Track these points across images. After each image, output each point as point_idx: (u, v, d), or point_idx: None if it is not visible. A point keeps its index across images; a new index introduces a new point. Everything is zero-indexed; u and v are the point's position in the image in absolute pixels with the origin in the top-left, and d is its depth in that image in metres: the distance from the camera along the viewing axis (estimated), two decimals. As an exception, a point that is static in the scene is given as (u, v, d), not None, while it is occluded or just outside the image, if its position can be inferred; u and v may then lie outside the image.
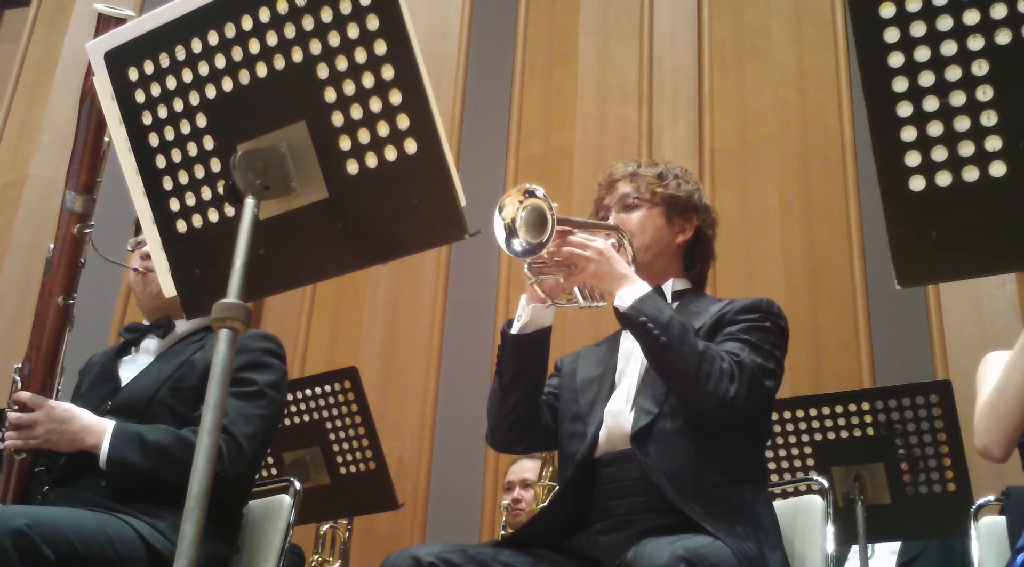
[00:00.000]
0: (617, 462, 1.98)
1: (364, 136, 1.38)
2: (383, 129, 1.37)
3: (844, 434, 2.89)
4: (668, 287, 2.17)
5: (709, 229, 2.25)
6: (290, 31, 1.40)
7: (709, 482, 1.90)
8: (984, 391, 2.14)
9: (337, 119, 1.39)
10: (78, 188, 2.05)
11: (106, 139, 2.05)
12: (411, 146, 1.36)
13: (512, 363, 2.08)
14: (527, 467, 3.83)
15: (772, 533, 1.91)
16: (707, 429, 1.93)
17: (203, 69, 1.47)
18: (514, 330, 2.08)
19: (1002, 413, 2.09)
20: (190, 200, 1.52)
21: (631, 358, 2.10)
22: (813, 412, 2.91)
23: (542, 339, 2.09)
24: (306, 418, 3.15)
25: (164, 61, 1.49)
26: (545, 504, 3.47)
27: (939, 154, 1.17)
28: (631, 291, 1.96)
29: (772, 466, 2.93)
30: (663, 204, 2.19)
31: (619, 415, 2.02)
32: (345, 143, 1.39)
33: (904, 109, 1.17)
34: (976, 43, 1.14)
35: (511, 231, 1.93)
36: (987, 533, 2.33)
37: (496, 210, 1.95)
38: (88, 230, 2.07)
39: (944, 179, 1.17)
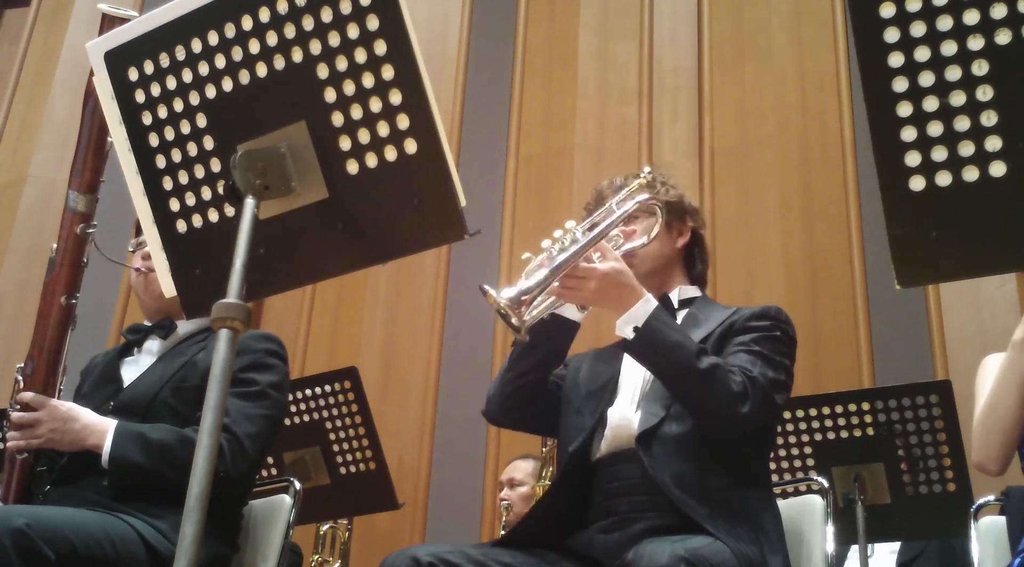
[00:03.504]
0: (619, 461, 1.98)
1: (364, 136, 1.38)
2: (383, 129, 1.37)
3: (844, 434, 2.89)
4: (675, 295, 2.18)
5: (702, 228, 2.28)
6: (290, 31, 1.40)
7: (712, 486, 1.91)
8: (983, 395, 2.14)
9: (337, 119, 1.39)
10: (81, 188, 2.05)
11: (109, 139, 2.04)
12: (411, 146, 1.36)
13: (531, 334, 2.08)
14: (519, 467, 3.84)
15: (774, 537, 1.91)
16: (715, 438, 1.94)
17: (203, 69, 1.47)
18: None
19: (996, 430, 2.11)
20: (190, 200, 1.52)
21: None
22: (813, 412, 2.91)
23: (564, 327, 2.09)
24: (306, 418, 3.15)
25: (164, 61, 1.49)
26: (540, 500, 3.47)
27: (939, 154, 1.17)
28: (633, 315, 1.92)
29: (772, 466, 2.92)
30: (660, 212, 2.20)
31: (624, 416, 2.02)
32: (345, 143, 1.39)
33: (904, 109, 1.17)
34: (976, 43, 1.14)
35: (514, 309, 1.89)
36: (987, 533, 2.32)
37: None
38: (91, 230, 2.07)
39: (944, 179, 1.17)
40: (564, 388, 2.19)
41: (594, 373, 2.16)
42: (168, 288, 1.56)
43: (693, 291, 2.21)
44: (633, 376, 2.09)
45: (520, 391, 2.12)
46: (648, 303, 1.95)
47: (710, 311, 2.14)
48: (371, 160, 1.39)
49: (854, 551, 3.04)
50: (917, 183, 1.18)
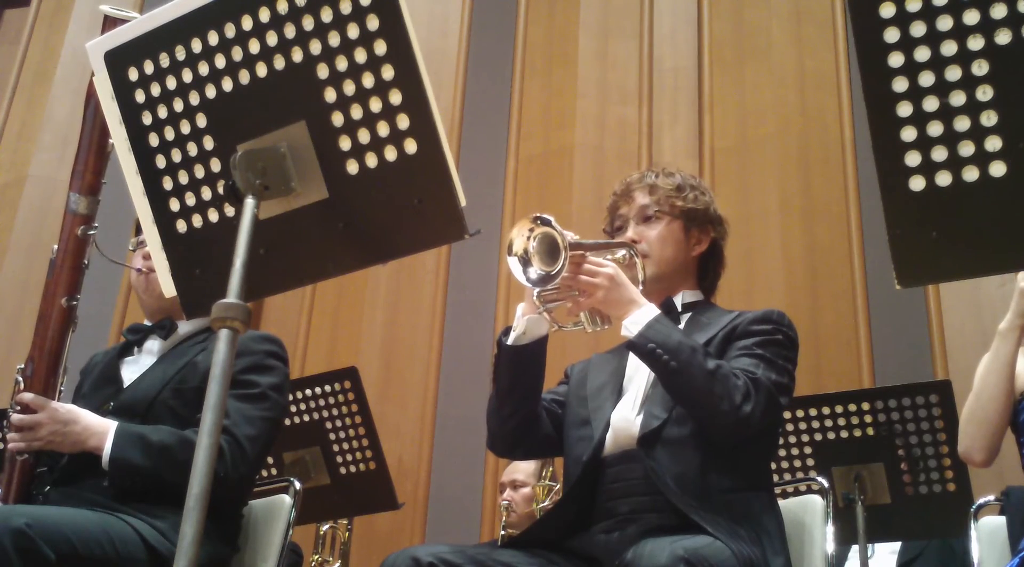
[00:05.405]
0: (622, 462, 1.98)
1: (364, 136, 1.38)
2: (383, 129, 1.37)
3: (844, 434, 2.89)
4: (679, 299, 2.17)
5: (722, 240, 2.25)
6: (290, 31, 1.40)
7: (714, 488, 1.90)
8: None
9: (337, 119, 1.39)
10: (82, 190, 2.05)
11: (110, 141, 2.04)
12: (411, 146, 1.36)
13: (508, 373, 2.07)
14: (519, 468, 3.84)
15: (776, 539, 1.90)
16: (718, 441, 1.94)
17: (203, 69, 1.47)
18: (510, 341, 2.05)
19: (979, 419, 2.12)
20: (190, 200, 1.52)
21: (640, 365, 2.09)
22: (813, 412, 2.91)
23: (538, 348, 2.07)
24: (306, 418, 3.15)
25: (164, 61, 1.49)
26: (546, 504, 3.47)
27: (939, 154, 1.17)
28: (638, 317, 1.93)
29: (772, 466, 2.92)
30: (682, 217, 2.18)
31: (627, 419, 2.02)
32: (345, 143, 1.39)
33: (904, 109, 1.17)
34: (976, 43, 1.14)
35: (525, 261, 1.91)
36: (987, 533, 2.32)
37: (507, 247, 1.91)
38: (92, 232, 2.07)
39: (944, 179, 1.17)
40: (567, 402, 2.18)
41: (597, 381, 2.15)
42: (168, 288, 1.56)
43: (697, 296, 2.21)
44: (637, 378, 2.09)
45: (517, 429, 2.12)
46: (650, 307, 1.96)
47: (713, 315, 2.14)
48: (371, 160, 1.38)
49: (854, 551, 3.04)
50: (917, 183, 1.18)
